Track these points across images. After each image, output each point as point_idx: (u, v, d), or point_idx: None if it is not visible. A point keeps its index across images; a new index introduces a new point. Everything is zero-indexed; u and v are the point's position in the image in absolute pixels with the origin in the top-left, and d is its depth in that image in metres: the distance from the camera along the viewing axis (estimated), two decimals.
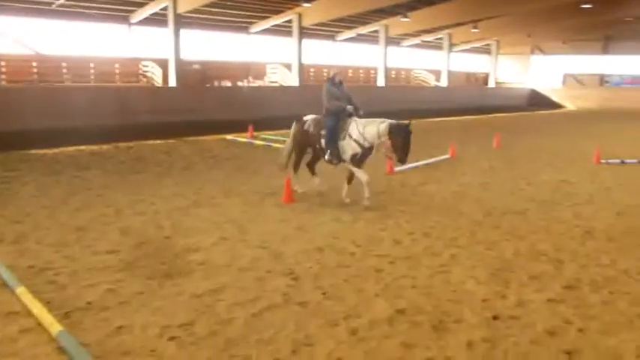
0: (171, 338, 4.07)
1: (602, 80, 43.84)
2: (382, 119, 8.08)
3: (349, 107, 8.35)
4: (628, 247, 6.54)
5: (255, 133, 17.18)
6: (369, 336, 4.16)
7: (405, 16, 28.58)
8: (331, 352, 3.92)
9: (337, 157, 8.35)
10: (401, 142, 7.73)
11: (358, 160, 8.24)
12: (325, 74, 34.42)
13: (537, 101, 43.08)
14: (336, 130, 8.27)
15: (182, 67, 23.53)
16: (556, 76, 45.41)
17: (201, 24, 26.80)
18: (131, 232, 6.69)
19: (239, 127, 17.98)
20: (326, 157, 8.47)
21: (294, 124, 9.11)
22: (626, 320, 4.52)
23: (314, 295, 4.91)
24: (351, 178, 8.49)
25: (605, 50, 43.33)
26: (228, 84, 27.81)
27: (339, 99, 8.43)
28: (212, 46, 29.42)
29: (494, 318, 4.50)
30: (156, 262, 5.66)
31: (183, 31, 23.52)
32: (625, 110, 36.86)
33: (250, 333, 4.18)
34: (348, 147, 8.18)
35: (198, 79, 26.52)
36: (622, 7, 31.57)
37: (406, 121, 7.85)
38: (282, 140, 15.70)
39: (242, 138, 16.17)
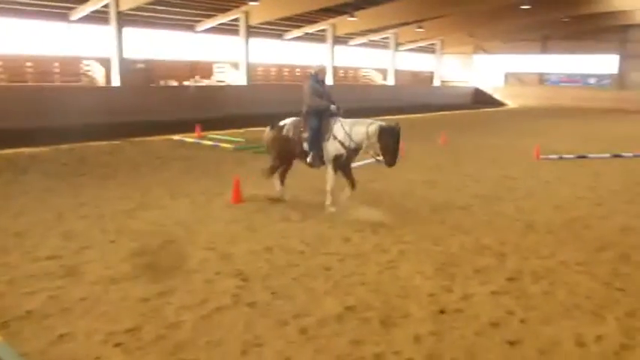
0: (117, 344, 3.98)
1: (542, 79, 45.47)
2: (370, 120, 7.73)
3: (333, 106, 7.91)
4: (566, 239, 6.82)
5: (203, 133, 16.95)
6: (318, 334, 4.18)
7: (352, 16, 28.86)
8: (281, 351, 3.92)
9: (320, 160, 7.88)
10: (391, 145, 7.44)
11: (342, 163, 7.83)
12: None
13: (481, 99, 44.28)
14: (319, 131, 7.79)
15: (126, 67, 22.97)
16: (498, 75, 46.79)
17: (145, 22, 26.21)
18: (74, 237, 6.48)
19: (186, 127, 17.70)
20: (308, 159, 7.92)
21: (269, 130, 8.43)
22: (565, 309, 4.72)
23: (263, 295, 4.90)
24: (353, 182, 8.01)
25: (543, 50, 44.95)
26: (175, 83, 27.33)
27: (321, 97, 8.00)
28: (157, 45, 28.83)
29: (441, 312, 4.61)
30: (100, 266, 5.51)
31: (126, 30, 22.96)
32: (563, 107, 38.37)
33: (199, 336, 4.13)
34: (332, 148, 7.75)
35: (142, 78, 25.94)
36: (559, 8, 32.83)
37: (395, 124, 7.56)
38: (230, 140, 15.59)
39: (189, 138, 15.92)
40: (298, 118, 8.18)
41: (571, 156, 13.84)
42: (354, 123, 7.74)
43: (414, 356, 3.88)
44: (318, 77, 8.18)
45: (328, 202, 7.91)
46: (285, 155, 8.31)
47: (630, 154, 14.40)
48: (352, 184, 8.03)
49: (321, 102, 7.96)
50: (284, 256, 5.96)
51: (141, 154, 13.08)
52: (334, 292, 4.97)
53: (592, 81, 43.42)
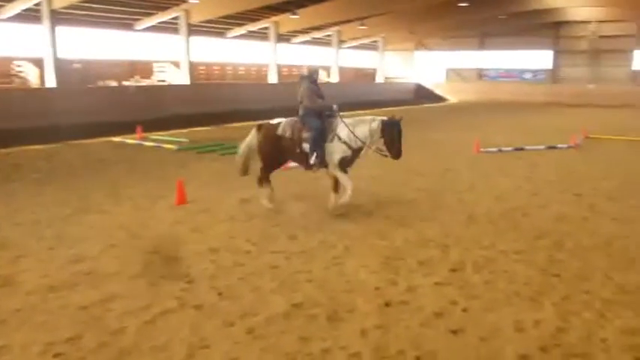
0: (57, 355, 3.84)
1: (480, 74, 46.78)
2: (370, 117, 7.64)
3: (335, 106, 7.72)
4: (505, 229, 7.05)
5: (145, 134, 16.57)
6: (265, 333, 4.17)
7: (294, 13, 28.84)
8: (227, 352, 3.89)
9: (323, 161, 7.62)
10: (396, 139, 7.40)
11: (347, 163, 7.70)
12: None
13: (423, 95, 45.13)
14: (323, 131, 7.56)
15: (61, 67, 22.16)
16: (439, 71, 47.86)
17: (80, 20, 25.33)
18: (8, 245, 6.20)
19: (127, 128, 17.26)
20: (311, 161, 7.56)
21: (256, 131, 7.93)
22: (505, 297, 4.88)
23: (209, 296, 4.84)
24: (336, 184, 7.81)
25: (481, 46, 46.25)
26: (114, 84, 26.58)
27: (321, 97, 7.84)
28: (94, 44, 27.96)
29: (386, 305, 4.68)
30: (36, 275, 5.30)
31: (60, 28, 22.15)
32: (501, 102, 39.60)
33: (143, 341, 4.04)
34: (337, 149, 7.53)
35: (79, 79, 25.10)
36: (495, 6, 33.90)
37: (398, 117, 7.47)
38: (173, 141, 15.31)
39: (131, 140, 15.53)
40: (292, 118, 7.88)
41: (509, 148, 14.31)
42: (356, 122, 7.61)
43: (361, 350, 3.93)
44: (312, 78, 8.01)
45: (346, 201, 7.56)
46: (278, 156, 7.91)
47: (564, 146, 15.02)
48: (336, 187, 7.84)
49: (322, 103, 7.83)
50: (230, 256, 5.90)
51: (79, 158, 12.66)
52: (281, 290, 4.96)
53: (528, 76, 45.02)
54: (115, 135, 16.38)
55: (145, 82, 28.38)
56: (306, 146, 7.59)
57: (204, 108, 24.47)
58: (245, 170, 8.20)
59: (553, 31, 43.09)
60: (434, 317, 4.46)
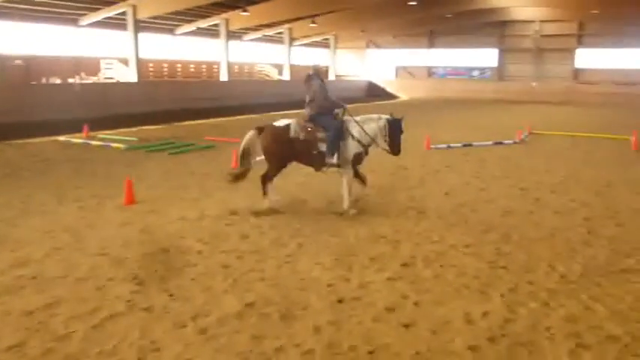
0: None
1: (430, 72, 47.62)
2: (377, 115, 7.66)
3: (346, 105, 7.81)
4: (454, 223, 7.20)
5: (92, 133, 16.11)
6: (218, 333, 4.13)
7: (245, 10, 28.60)
8: (179, 354, 3.83)
9: (338, 160, 7.62)
10: (397, 136, 7.52)
11: (360, 161, 7.80)
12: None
13: (374, 92, 45.61)
14: (339, 130, 7.54)
15: (1, 63, 21.29)
16: (390, 69, 48.44)
17: (22, 15, 24.42)
18: None
19: (73, 127, 16.74)
20: (332, 160, 7.54)
21: (257, 134, 7.70)
22: (454, 290, 4.98)
23: (160, 298, 4.75)
24: (362, 179, 7.94)
25: (430, 44, 47.09)
26: (58, 81, 25.73)
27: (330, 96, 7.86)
28: (37, 40, 27.00)
29: (339, 301, 4.71)
30: None
31: (0, 23, 21.27)
32: (450, 99, 40.44)
33: (91, 346, 3.93)
34: (352, 147, 7.57)
35: (21, 75, 24.20)
36: (443, 5, 34.57)
37: (400, 117, 7.58)
38: (122, 140, 14.94)
39: (77, 139, 15.06)
40: (299, 119, 7.78)
41: (458, 145, 14.63)
42: (365, 120, 7.66)
43: (314, 347, 3.94)
44: (321, 77, 7.96)
45: (347, 205, 7.60)
46: (288, 158, 7.78)
47: (510, 141, 15.47)
48: (364, 180, 7.99)
49: (335, 102, 7.86)
50: (181, 256, 5.81)
51: (22, 158, 12.19)
52: (233, 290, 4.92)
53: (475, 73, 46.13)
54: (60, 134, 15.86)
55: (91, 80, 27.59)
56: (322, 146, 7.56)
57: (154, 106, 24.00)
58: (244, 176, 7.89)
59: (498, 30, 44.31)
60: (386, 312, 4.51)
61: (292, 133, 7.59)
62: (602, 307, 4.64)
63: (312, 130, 7.58)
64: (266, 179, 7.74)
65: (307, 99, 7.83)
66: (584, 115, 27.84)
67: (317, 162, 7.69)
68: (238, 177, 7.89)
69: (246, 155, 7.82)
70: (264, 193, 7.75)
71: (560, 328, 4.26)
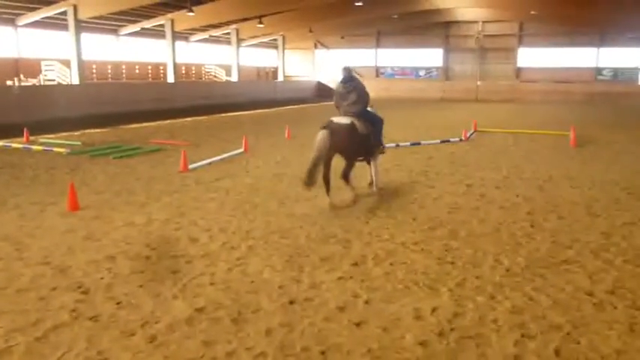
0: None
1: (378, 72, 48.23)
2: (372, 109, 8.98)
3: None
4: (403, 221, 7.31)
5: (32, 138, 15.54)
6: (168, 340, 4.05)
7: (190, 11, 28.19)
8: None
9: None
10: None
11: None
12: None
13: (323, 93, 45.81)
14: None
15: None
16: (338, 69, 48.74)
17: None
18: None
19: (12, 131, 16.11)
20: (384, 149, 9.23)
21: (340, 130, 7.85)
22: (404, 287, 5.05)
23: (107, 306, 4.61)
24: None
25: (378, 44, 47.70)
26: None
27: None
28: None
29: (291, 302, 4.69)
30: None
31: None
32: (398, 98, 41.07)
33: (34, 359, 3.78)
34: None
35: None
36: (388, 6, 35.05)
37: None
38: (64, 144, 14.46)
39: (16, 144, 14.48)
40: (350, 116, 8.23)
41: (406, 143, 14.86)
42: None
43: (266, 350, 3.91)
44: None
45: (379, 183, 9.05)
46: (359, 152, 8.45)
47: (456, 139, 15.84)
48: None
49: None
50: (128, 263, 5.67)
51: None
52: (183, 295, 4.83)
53: (422, 73, 47.02)
54: None
55: (31, 82, 26.60)
56: (376, 138, 8.63)
57: (98, 109, 23.36)
58: (316, 177, 7.80)
59: (443, 30, 45.35)
60: (337, 311, 4.53)
61: (359, 129, 8.12)
62: (545, 298, 4.80)
63: (369, 125, 8.41)
64: (347, 176, 8.28)
65: (352, 99, 8.44)
66: (526, 113, 28.82)
67: (375, 151, 8.82)
68: (313, 179, 7.79)
69: (322, 156, 7.89)
70: (352, 187, 8.37)
71: (506, 320, 4.39)
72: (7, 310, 4.53)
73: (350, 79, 8.55)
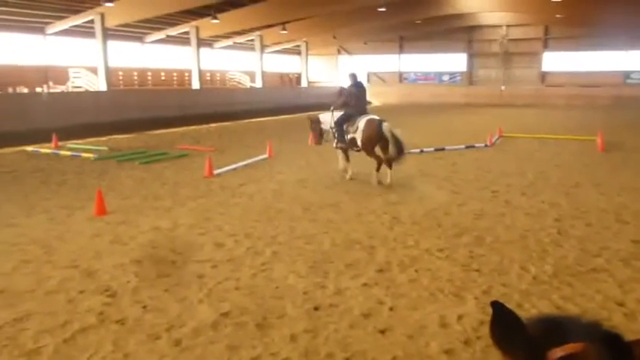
0: None
1: (401, 77, 48.09)
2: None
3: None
4: (428, 227, 7.26)
5: (61, 143, 15.83)
6: (193, 344, 4.07)
7: (215, 18, 28.45)
8: None
9: None
10: None
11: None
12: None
13: None
14: None
15: None
16: (361, 75, 48.72)
17: None
18: None
19: (41, 137, 16.42)
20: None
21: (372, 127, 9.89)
22: (429, 294, 5.01)
23: (133, 310, 4.67)
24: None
25: (401, 50, 47.58)
26: (25, 90, 25.23)
27: None
28: (2, 49, 26.46)
29: (315, 308, 4.69)
30: None
31: None
32: (421, 104, 40.89)
33: None
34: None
35: None
36: (411, 11, 34.95)
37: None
38: (91, 150, 14.70)
39: (45, 149, 14.78)
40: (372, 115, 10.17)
41: (430, 149, 14.76)
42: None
43: (291, 355, 3.91)
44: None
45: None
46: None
47: (481, 145, 15.69)
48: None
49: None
50: (154, 267, 5.73)
51: None
52: (208, 300, 4.87)
53: (445, 78, 46.74)
54: (27, 144, 15.53)
55: (59, 89, 27.12)
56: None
57: (124, 115, 23.68)
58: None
59: (467, 35, 45.04)
60: (362, 318, 4.51)
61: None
62: (573, 307, 4.71)
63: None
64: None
65: (364, 99, 10.73)
66: (552, 117, 28.42)
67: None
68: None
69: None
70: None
71: None
72: (36, 312, 4.61)
73: (359, 83, 10.36)
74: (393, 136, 9.70)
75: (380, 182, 10.04)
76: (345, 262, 5.85)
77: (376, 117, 10.07)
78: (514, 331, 1.12)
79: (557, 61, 43.34)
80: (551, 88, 42.48)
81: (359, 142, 10.12)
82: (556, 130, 20.43)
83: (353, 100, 10.32)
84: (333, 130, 10.69)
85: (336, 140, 10.65)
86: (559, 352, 1.06)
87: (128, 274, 5.52)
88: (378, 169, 10.19)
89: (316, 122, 11.42)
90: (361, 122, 10.04)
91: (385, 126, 9.73)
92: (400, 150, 9.78)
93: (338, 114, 10.57)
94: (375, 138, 9.88)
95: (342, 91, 10.59)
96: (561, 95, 41.16)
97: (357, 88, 10.43)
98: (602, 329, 1.15)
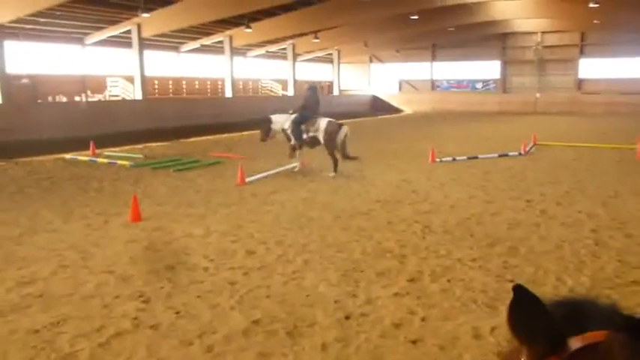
0: None
1: (433, 85, 47.78)
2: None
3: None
4: (460, 237, 7.17)
5: (98, 151, 16.20)
6: (224, 351, 4.10)
7: (248, 27, 28.82)
8: None
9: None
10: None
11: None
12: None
13: (379, 106, 45.75)
14: None
15: (8, 82, 21.50)
16: (393, 83, 48.60)
17: (28, 35, 24.74)
18: None
19: (79, 144, 16.85)
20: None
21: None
22: (462, 305, 4.94)
23: (166, 315, 4.73)
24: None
25: (433, 57, 47.29)
26: (64, 99, 25.95)
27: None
28: (43, 59, 27.28)
29: (346, 317, 4.67)
30: None
31: (8, 43, 21.53)
32: (454, 112, 40.54)
33: None
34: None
35: (28, 94, 24.41)
36: (444, 18, 34.76)
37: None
38: (128, 157, 15.01)
39: (83, 157, 15.15)
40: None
41: (463, 157, 14.61)
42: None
43: None
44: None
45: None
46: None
47: (515, 153, 15.45)
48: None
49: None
50: (187, 273, 5.80)
51: (28, 176, 12.27)
52: (240, 307, 4.90)
53: (479, 86, 46.23)
54: (66, 152, 15.95)
55: (97, 98, 27.80)
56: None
57: (159, 123, 24.13)
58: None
59: (500, 42, 44.52)
60: (393, 328, 4.48)
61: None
62: None
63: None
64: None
65: (313, 104, 12.46)
66: (589, 125, 27.83)
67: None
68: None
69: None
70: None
71: None
72: (73, 316, 4.72)
73: (316, 93, 12.79)
74: (344, 139, 11.86)
75: (328, 174, 11.92)
76: (376, 271, 5.82)
77: (334, 120, 12.23)
78: (536, 318, 1.06)
79: (594, 67, 42.43)
80: (588, 96, 41.60)
81: (321, 139, 11.91)
82: (593, 138, 19.99)
83: (311, 104, 12.41)
84: (287, 130, 12.39)
85: (293, 138, 12.36)
86: (579, 341, 1.01)
87: (162, 279, 5.60)
88: (335, 169, 11.96)
89: (267, 121, 12.86)
90: (322, 122, 11.92)
91: (343, 131, 11.86)
92: (345, 153, 11.94)
93: (293, 116, 12.45)
94: (335, 136, 11.79)
95: (304, 96, 12.93)
96: (599, 102, 40.25)
97: (314, 96, 12.63)
98: (624, 314, 1.09)
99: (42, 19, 23.29)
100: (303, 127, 12.13)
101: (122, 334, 4.38)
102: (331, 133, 11.77)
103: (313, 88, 12.94)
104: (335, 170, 11.91)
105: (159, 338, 4.31)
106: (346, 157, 11.99)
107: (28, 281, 5.56)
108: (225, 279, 5.62)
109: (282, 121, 12.57)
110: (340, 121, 12.16)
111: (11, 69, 22.14)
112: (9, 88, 21.49)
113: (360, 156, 12.65)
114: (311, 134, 12.03)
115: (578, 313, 1.08)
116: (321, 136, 11.86)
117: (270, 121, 12.82)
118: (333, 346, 4.17)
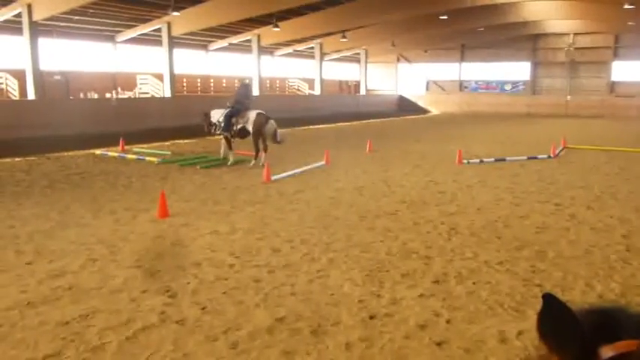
0: None
1: (462, 86, 47.32)
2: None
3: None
4: (487, 240, 7.09)
5: (127, 147, 16.46)
6: (249, 347, 4.13)
7: (276, 26, 28.94)
8: None
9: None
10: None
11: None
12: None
13: (406, 107, 45.54)
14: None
15: (41, 79, 21.96)
16: (421, 83, 48.29)
17: (61, 32, 25.25)
18: None
19: (109, 140, 17.14)
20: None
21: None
22: (488, 308, 4.89)
23: (192, 311, 4.78)
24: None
25: (462, 58, 46.83)
26: (95, 96, 26.41)
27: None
28: (75, 56, 27.81)
29: (371, 317, 4.66)
30: (15, 290, 5.21)
31: (41, 40, 21.98)
32: (482, 113, 40.10)
33: (124, 357, 3.98)
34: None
35: (60, 90, 24.90)
36: (473, 18, 34.38)
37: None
38: (156, 154, 15.21)
39: (112, 152, 15.40)
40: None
41: (491, 159, 14.45)
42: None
43: None
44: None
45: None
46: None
47: (544, 156, 15.21)
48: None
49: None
50: (213, 270, 5.85)
51: (59, 170, 12.52)
52: (264, 305, 4.93)
53: (508, 87, 45.63)
54: (96, 147, 16.24)
55: (127, 95, 28.22)
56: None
57: (187, 120, 24.38)
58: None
59: (530, 43, 43.85)
60: (418, 329, 4.45)
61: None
62: None
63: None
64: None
65: (244, 99, 13.62)
66: (621, 129, 27.26)
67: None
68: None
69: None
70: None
71: None
72: (101, 309, 4.80)
73: (249, 90, 14.36)
74: (274, 128, 12.97)
75: (255, 165, 12.86)
76: (401, 272, 5.80)
77: (263, 112, 13.09)
78: (566, 326, 1.04)
79: (628, 70, 41.49)
80: (622, 99, 40.72)
81: (249, 128, 13.00)
82: (625, 142, 19.57)
83: (242, 98, 13.61)
84: (220, 122, 13.44)
85: (221, 129, 13.45)
86: (610, 350, 0.99)
87: (188, 275, 5.67)
88: (255, 157, 13.01)
89: (206, 116, 14.17)
90: (252, 114, 13.02)
91: (271, 122, 12.92)
92: (276, 139, 13.11)
93: (225, 110, 13.51)
94: (262, 127, 12.84)
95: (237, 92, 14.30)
96: (632, 106, 39.39)
97: (246, 92, 13.96)
98: None
99: (75, 17, 23.74)
100: (233, 119, 13.28)
101: (149, 328, 4.44)
102: (259, 124, 12.84)
103: (245, 85, 14.29)
104: (255, 158, 13.00)
105: (185, 333, 4.36)
106: (275, 142, 13.28)
107: (58, 274, 5.68)
108: (250, 276, 5.65)
109: (216, 116, 13.78)
110: (268, 115, 13.15)
111: (45, 66, 22.60)
112: (42, 84, 21.95)
113: (286, 139, 14.34)
114: (240, 125, 13.16)
115: (608, 321, 1.07)
116: (250, 127, 13.00)
117: (209, 116, 14.12)
118: (357, 345, 4.17)
